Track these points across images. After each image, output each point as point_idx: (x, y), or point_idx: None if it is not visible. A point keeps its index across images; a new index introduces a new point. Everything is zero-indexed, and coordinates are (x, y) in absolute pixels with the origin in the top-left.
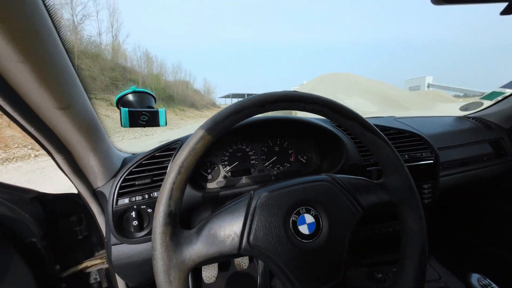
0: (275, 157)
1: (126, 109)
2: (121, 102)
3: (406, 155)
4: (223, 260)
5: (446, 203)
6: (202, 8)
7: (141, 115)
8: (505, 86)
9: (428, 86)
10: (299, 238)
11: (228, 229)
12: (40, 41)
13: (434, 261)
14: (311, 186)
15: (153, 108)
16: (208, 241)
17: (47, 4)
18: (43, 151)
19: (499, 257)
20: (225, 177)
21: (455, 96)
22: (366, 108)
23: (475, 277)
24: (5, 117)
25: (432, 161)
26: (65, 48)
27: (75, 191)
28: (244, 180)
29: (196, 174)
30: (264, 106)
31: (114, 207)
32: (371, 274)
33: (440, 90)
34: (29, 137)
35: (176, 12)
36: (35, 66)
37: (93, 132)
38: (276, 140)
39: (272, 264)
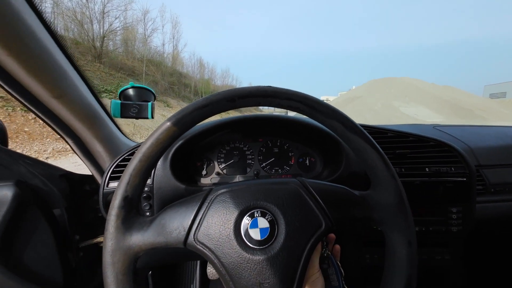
0: (273, 159)
1: (117, 101)
2: (123, 95)
3: (427, 168)
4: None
5: (497, 235)
6: (252, 19)
7: (132, 107)
8: None
9: None
10: (248, 243)
11: (178, 221)
12: (23, 42)
13: None
14: (274, 188)
15: (147, 102)
16: (157, 230)
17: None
18: None
19: None
20: (218, 174)
21: None
22: (427, 117)
23: None
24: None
25: (464, 179)
26: (58, 46)
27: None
28: (238, 179)
29: (191, 168)
30: (234, 101)
31: (104, 189)
32: None
33: None
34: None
35: (228, 24)
36: (22, 61)
37: (92, 120)
38: (276, 141)
39: (215, 265)
